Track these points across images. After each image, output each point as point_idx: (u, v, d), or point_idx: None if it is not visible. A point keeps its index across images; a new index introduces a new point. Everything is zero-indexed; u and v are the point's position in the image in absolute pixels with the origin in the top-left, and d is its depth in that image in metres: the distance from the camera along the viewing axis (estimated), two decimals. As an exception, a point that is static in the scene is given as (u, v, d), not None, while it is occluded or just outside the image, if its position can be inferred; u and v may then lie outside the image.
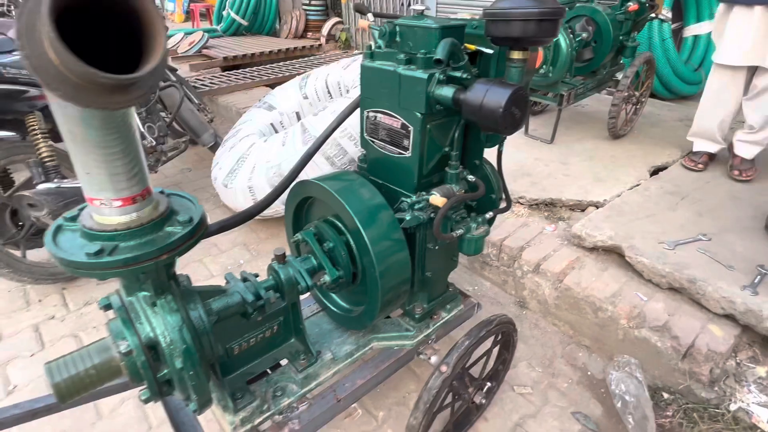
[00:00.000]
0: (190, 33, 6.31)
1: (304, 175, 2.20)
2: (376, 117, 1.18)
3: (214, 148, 3.12)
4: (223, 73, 5.19)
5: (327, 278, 1.15)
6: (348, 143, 2.20)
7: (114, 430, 1.48)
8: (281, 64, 5.53)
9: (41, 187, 1.86)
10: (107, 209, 0.74)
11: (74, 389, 0.82)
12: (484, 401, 1.34)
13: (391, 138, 1.16)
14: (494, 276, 2.07)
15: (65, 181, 1.94)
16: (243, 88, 4.71)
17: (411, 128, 1.08)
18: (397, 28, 1.07)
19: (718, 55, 2.25)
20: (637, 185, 2.27)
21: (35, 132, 1.94)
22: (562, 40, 2.32)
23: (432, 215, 1.15)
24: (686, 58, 3.77)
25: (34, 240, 2.07)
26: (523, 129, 2.92)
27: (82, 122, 0.61)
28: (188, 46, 6.16)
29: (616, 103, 2.57)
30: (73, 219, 0.81)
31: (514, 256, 1.95)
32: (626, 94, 2.57)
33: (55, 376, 0.81)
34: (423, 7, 1.05)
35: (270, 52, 5.97)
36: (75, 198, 1.94)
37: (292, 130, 2.39)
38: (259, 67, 5.38)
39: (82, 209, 0.84)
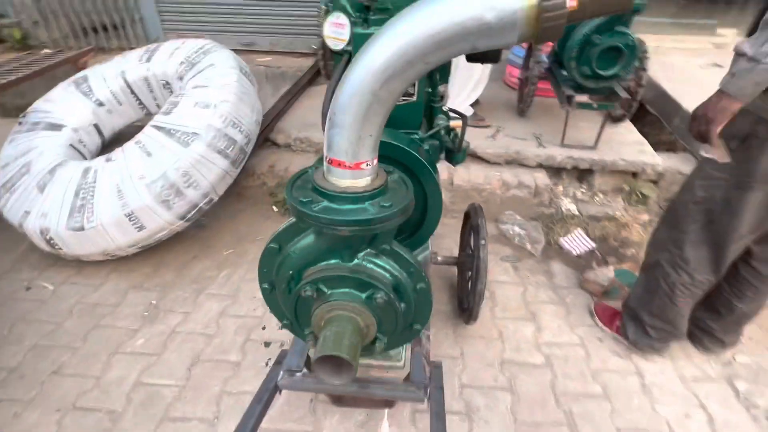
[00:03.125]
0: None
1: (199, 176, 2.06)
2: (376, 76, 1.40)
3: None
4: None
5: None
6: (234, 131, 2.11)
7: None
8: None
9: None
10: (368, 170, 0.82)
11: (356, 355, 0.86)
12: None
13: (395, 90, 1.42)
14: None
15: None
16: None
17: (416, 77, 1.38)
18: (388, -2, 1.31)
19: None
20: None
21: None
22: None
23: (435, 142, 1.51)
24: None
25: None
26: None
27: (417, 73, 0.71)
28: None
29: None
30: (309, 203, 0.81)
31: (410, 182, 2.47)
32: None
33: (343, 351, 0.83)
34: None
35: None
36: None
37: (146, 137, 2.05)
38: None
39: (298, 189, 0.83)
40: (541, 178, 2.49)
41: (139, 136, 2.07)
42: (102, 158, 2.07)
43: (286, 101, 2.96)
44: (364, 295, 0.92)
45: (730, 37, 4.59)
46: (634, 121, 2.91)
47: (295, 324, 1.04)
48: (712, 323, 1.63)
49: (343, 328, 0.88)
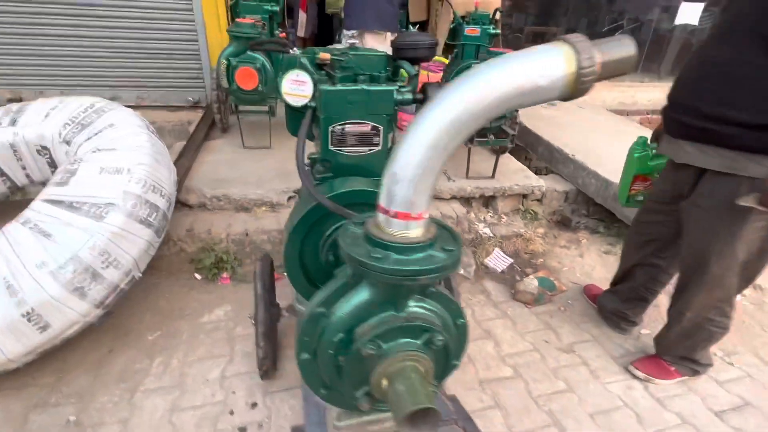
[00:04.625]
0: None
1: (120, 252, 1.82)
2: (343, 129, 1.44)
3: None
4: None
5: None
6: (155, 197, 1.87)
7: None
8: None
9: None
10: (426, 219, 0.86)
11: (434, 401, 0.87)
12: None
13: (361, 141, 1.47)
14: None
15: None
16: None
17: (381, 128, 1.47)
18: (351, 58, 1.38)
19: None
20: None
21: None
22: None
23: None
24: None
25: None
26: (241, 143, 3.17)
27: (478, 126, 0.79)
28: None
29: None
30: (381, 259, 0.81)
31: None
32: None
33: (427, 401, 0.83)
34: (356, 41, 1.42)
35: None
36: None
37: (37, 214, 1.68)
38: None
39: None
40: (458, 207, 2.77)
41: (26, 215, 1.68)
42: (-28, 249, 1.61)
43: (189, 159, 2.72)
44: (420, 341, 0.93)
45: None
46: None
47: (342, 389, 0.97)
48: (628, 311, 2.05)
49: (413, 379, 0.88)
